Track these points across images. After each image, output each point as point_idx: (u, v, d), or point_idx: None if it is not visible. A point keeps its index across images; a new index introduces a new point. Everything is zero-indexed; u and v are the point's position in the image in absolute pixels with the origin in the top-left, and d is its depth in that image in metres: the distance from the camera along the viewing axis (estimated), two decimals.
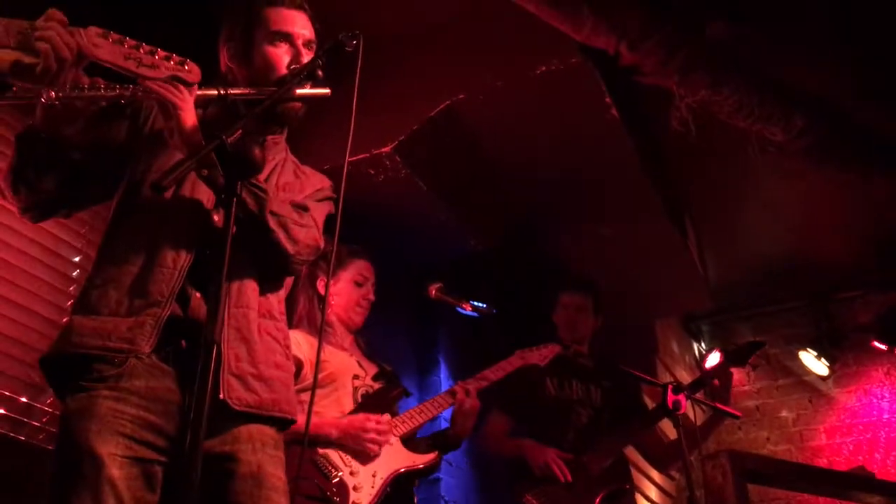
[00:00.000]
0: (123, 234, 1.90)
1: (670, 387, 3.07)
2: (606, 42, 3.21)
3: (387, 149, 3.52)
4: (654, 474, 5.05)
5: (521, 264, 4.56)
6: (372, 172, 3.63)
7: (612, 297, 4.75)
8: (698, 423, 3.45)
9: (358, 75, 2.05)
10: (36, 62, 1.56)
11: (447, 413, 3.33)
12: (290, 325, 3.16)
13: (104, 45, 1.66)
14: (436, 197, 3.85)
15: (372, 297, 3.34)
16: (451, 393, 3.30)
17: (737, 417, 3.39)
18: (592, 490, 3.35)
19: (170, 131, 1.85)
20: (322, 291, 3.24)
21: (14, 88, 1.63)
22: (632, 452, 4.01)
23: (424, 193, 3.80)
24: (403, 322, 4.74)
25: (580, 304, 3.88)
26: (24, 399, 2.77)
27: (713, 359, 6.08)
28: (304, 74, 2.01)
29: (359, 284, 3.32)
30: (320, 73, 2.02)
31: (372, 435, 2.89)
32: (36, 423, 2.78)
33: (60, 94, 1.64)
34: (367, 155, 3.56)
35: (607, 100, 3.46)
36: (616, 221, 4.37)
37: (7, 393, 2.72)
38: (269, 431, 1.90)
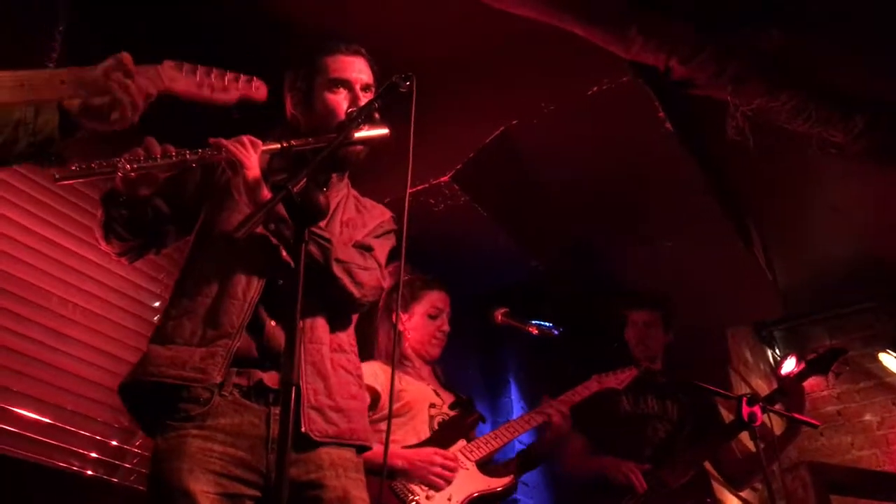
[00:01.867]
0: (198, 268, 2.04)
1: (745, 399, 3.05)
2: (656, 59, 3.21)
3: (445, 178, 3.60)
4: None
5: (585, 283, 4.57)
6: (432, 202, 3.71)
7: (681, 309, 4.73)
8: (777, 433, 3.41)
9: (413, 114, 2.10)
10: (106, 103, 1.66)
11: (523, 436, 3.37)
12: (371, 357, 3.27)
13: (179, 78, 1.77)
14: (496, 222, 3.90)
15: (446, 328, 3.42)
16: (540, 413, 3.34)
17: (815, 426, 3.33)
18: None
19: (236, 187, 1.96)
20: (399, 326, 3.35)
21: (93, 164, 1.75)
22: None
23: (484, 219, 3.85)
24: (473, 346, 4.79)
25: (649, 320, 3.88)
26: (114, 442, 2.91)
27: (789, 365, 6.01)
28: (362, 117, 2.10)
29: (432, 317, 3.40)
30: (376, 114, 2.11)
31: (437, 469, 2.95)
32: (128, 465, 2.91)
33: (135, 166, 1.76)
34: (427, 185, 3.64)
35: (660, 114, 3.47)
36: (678, 233, 4.34)
37: (98, 437, 2.86)
38: (349, 456, 2.02)
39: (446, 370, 3.77)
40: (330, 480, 1.92)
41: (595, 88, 3.34)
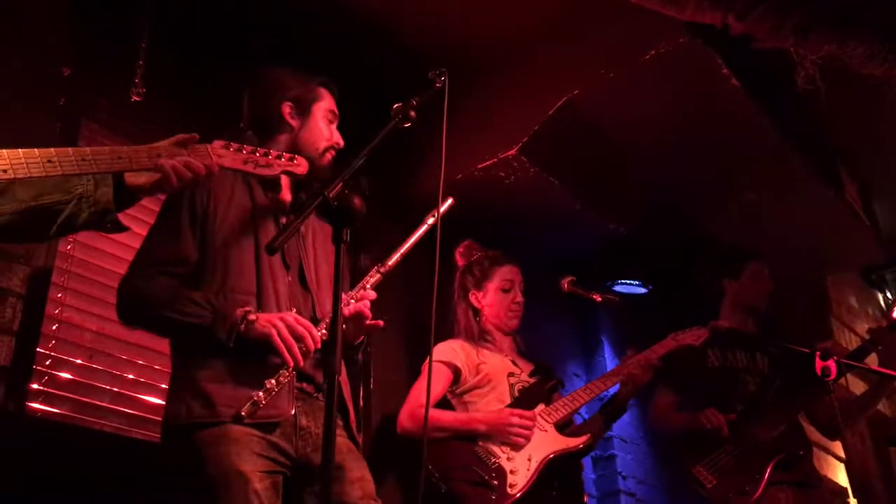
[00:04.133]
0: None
1: (818, 353, 3.00)
2: (713, 17, 3.17)
3: (512, 151, 3.68)
4: None
5: (667, 242, 4.56)
6: (503, 175, 3.81)
7: (773, 261, 4.66)
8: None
9: (446, 106, 2.23)
10: (167, 181, 1.87)
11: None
12: (452, 335, 3.46)
13: (227, 155, 1.97)
14: (568, 189, 3.97)
15: (520, 298, 3.57)
16: (617, 373, 3.46)
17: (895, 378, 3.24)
18: (762, 458, 3.35)
19: None
20: (475, 304, 3.54)
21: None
22: None
23: (557, 187, 3.92)
24: (566, 310, 4.90)
25: (755, 272, 3.89)
26: None
27: None
28: (400, 117, 2.23)
29: (506, 291, 3.56)
30: (413, 113, 2.23)
31: (516, 429, 3.11)
32: None
33: None
34: (495, 160, 3.73)
35: (724, 71, 3.43)
36: (761, 186, 4.27)
37: None
38: (350, 444, 2.30)
39: (541, 333, 3.91)
40: (348, 463, 2.17)
41: (652, 52, 3.33)
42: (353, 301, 2.27)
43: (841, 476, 4.57)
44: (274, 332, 2.05)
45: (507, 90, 3.71)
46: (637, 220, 4.38)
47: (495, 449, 3.13)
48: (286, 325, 2.07)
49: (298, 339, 2.08)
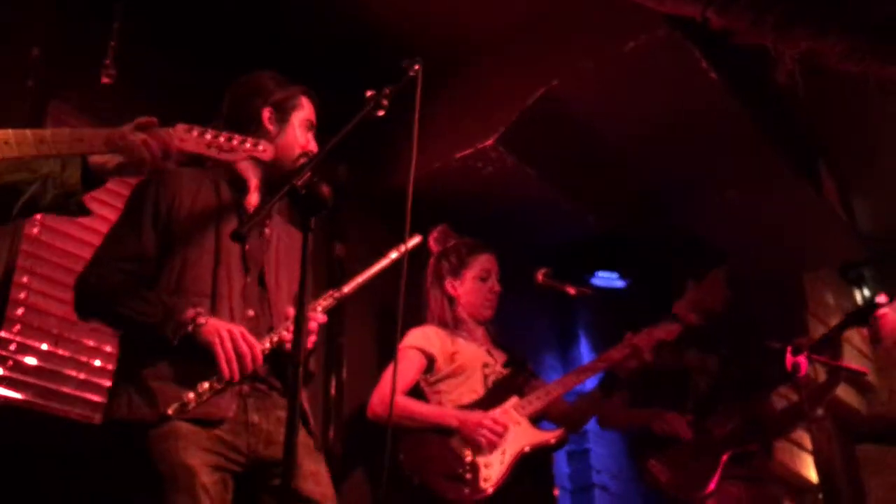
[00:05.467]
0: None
1: (790, 348, 3.05)
2: (692, 10, 3.16)
3: (490, 142, 3.65)
4: None
5: (646, 238, 4.57)
6: (480, 165, 3.79)
7: (749, 257, 4.69)
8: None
9: (418, 95, 2.20)
10: (129, 163, 1.85)
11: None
12: (425, 322, 3.43)
13: (189, 139, 1.94)
14: (547, 181, 3.96)
15: (497, 288, 3.54)
16: (589, 368, 3.47)
17: (863, 374, 3.29)
18: (716, 452, 3.41)
19: None
20: (451, 291, 3.50)
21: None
22: None
23: (534, 178, 3.91)
24: (541, 303, 4.88)
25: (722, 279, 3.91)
26: None
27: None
28: (372, 105, 2.20)
29: (483, 279, 3.53)
30: (385, 102, 2.20)
31: (485, 432, 3.10)
32: None
33: None
34: (473, 150, 3.71)
35: (703, 64, 3.42)
36: (741, 182, 4.27)
37: None
38: (307, 440, 2.29)
39: (515, 325, 3.90)
40: (303, 458, 2.14)
41: (632, 44, 3.31)
42: None
43: (811, 470, 4.61)
44: (217, 342, 2.06)
45: (486, 80, 3.70)
46: (615, 213, 4.38)
47: (470, 443, 3.11)
48: (231, 337, 2.07)
49: (240, 356, 2.08)
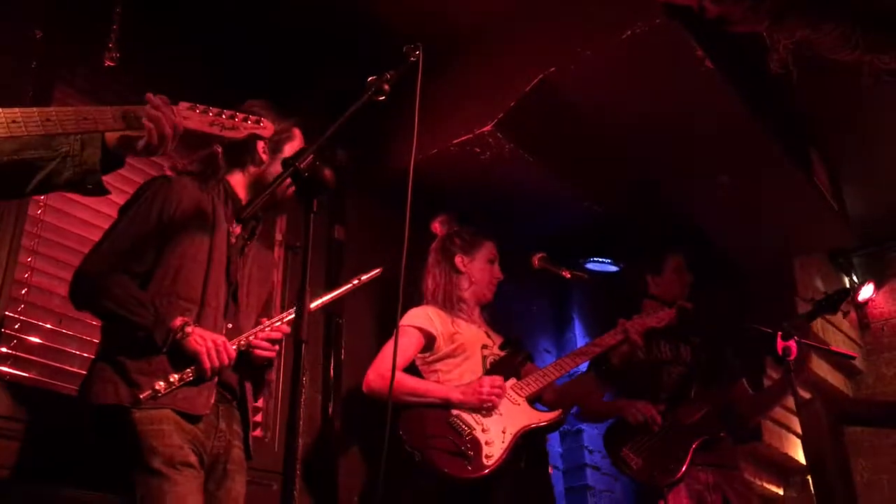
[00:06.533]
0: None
1: (780, 333, 3.11)
2: None
3: (487, 127, 3.68)
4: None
5: (642, 222, 4.62)
6: (478, 151, 3.82)
7: (742, 242, 4.74)
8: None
9: (419, 81, 2.23)
10: (141, 135, 1.89)
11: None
12: (422, 302, 3.48)
13: (192, 117, 1.97)
14: (543, 166, 3.99)
15: (500, 275, 3.61)
16: (583, 351, 3.53)
17: (852, 358, 3.35)
18: (686, 439, 3.50)
19: None
20: (460, 266, 3.55)
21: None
22: None
23: (532, 164, 3.94)
24: (537, 286, 4.94)
25: (677, 265, 3.98)
26: None
27: (866, 291, 5.90)
28: (373, 90, 2.23)
29: (492, 262, 3.60)
30: (387, 87, 2.23)
31: (486, 389, 3.18)
32: None
33: None
34: (471, 135, 3.73)
35: (699, 53, 3.45)
36: (734, 168, 4.31)
37: None
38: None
39: (513, 308, 3.95)
40: (235, 476, 2.36)
41: (629, 32, 3.33)
42: (268, 330, 2.43)
43: (799, 453, 4.69)
44: (204, 351, 2.20)
45: (484, 66, 3.73)
46: (612, 199, 4.42)
47: (470, 420, 3.16)
48: (216, 348, 2.23)
49: (222, 365, 2.25)
